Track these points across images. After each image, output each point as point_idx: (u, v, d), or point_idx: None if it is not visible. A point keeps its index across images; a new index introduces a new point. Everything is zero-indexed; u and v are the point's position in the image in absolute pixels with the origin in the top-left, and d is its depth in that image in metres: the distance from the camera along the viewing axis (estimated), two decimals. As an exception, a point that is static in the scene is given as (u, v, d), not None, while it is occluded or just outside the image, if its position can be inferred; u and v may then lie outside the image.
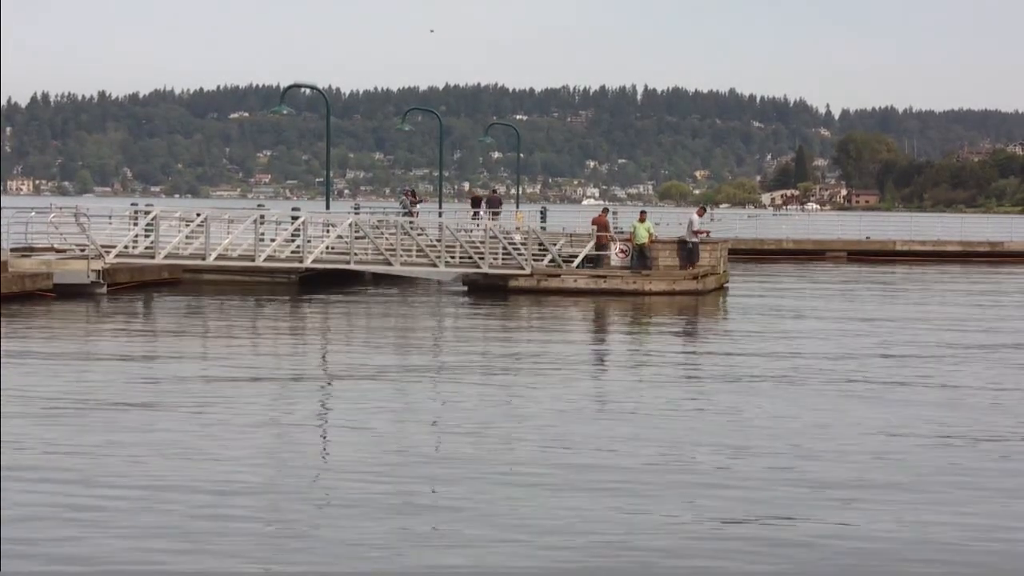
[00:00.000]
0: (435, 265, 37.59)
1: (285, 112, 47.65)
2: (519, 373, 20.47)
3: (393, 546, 10.21)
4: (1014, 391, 19.21)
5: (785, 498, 11.94)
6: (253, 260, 36.06)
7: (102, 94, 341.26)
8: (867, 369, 21.11)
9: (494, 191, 56.86)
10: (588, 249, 38.94)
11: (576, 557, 10.02)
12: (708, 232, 39.83)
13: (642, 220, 39.15)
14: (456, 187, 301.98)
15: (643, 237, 38.40)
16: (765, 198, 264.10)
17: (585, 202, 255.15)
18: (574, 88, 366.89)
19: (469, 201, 54.70)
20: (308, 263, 36.64)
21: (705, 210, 42.22)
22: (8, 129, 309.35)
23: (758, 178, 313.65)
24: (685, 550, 10.27)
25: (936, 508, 11.76)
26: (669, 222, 54.62)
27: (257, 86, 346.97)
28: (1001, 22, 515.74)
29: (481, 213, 48.67)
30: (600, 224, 39.69)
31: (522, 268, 37.33)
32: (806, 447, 14.39)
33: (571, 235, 42.77)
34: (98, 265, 33.70)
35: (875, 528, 10.98)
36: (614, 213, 66.19)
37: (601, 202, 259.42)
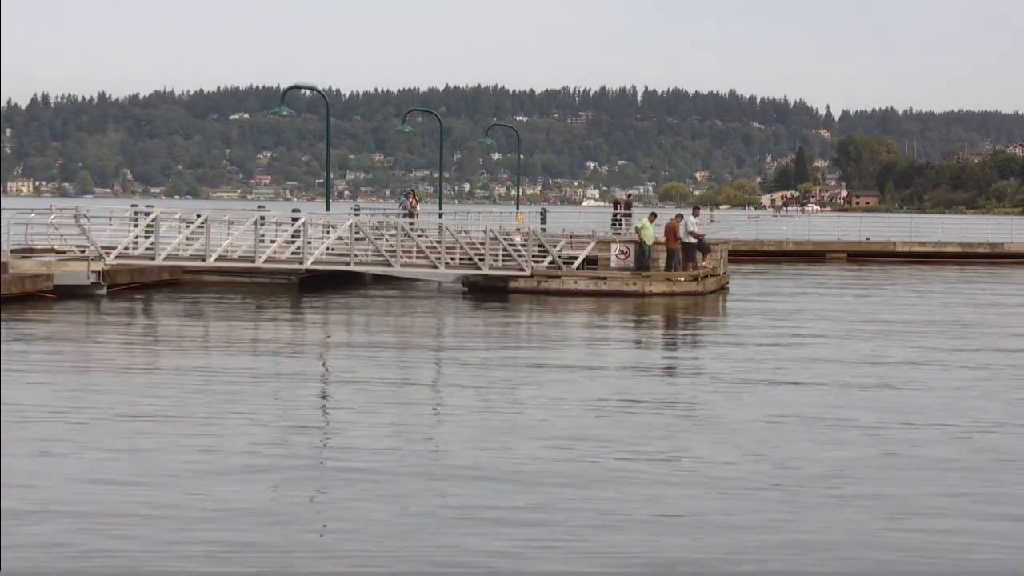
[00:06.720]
0: (435, 266, 37.58)
1: (285, 113, 47.58)
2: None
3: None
4: None
5: None
6: (253, 261, 36.06)
7: (102, 95, 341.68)
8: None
9: (629, 195, 67.81)
10: (588, 250, 38.88)
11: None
12: (703, 236, 39.61)
13: (652, 220, 39.23)
14: (456, 188, 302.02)
15: (650, 237, 38.33)
16: (765, 199, 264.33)
17: (585, 203, 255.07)
18: (574, 89, 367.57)
19: (611, 204, 64.00)
20: (308, 264, 36.63)
21: (699, 210, 42.00)
22: (8, 130, 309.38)
23: (758, 179, 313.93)
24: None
25: None
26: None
27: (257, 87, 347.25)
28: (1001, 23, 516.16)
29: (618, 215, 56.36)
30: (671, 230, 38.71)
31: (522, 269, 37.32)
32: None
33: (571, 236, 42.71)
34: (98, 266, 33.66)
35: None
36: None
37: (601, 203, 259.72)
